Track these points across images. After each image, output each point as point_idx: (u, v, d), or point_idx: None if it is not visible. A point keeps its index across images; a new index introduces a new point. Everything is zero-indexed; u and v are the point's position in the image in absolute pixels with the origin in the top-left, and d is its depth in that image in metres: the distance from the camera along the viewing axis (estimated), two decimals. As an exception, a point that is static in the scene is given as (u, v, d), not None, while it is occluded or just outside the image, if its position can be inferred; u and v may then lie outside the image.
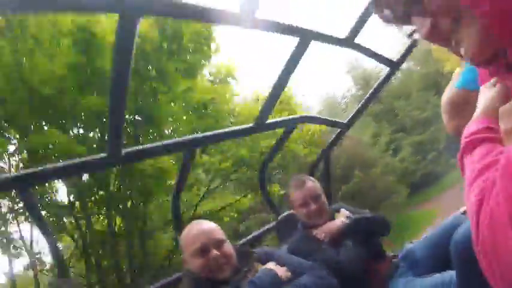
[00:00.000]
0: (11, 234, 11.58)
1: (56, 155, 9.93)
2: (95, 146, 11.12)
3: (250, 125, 2.38)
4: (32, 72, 9.04)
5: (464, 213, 2.46)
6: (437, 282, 1.91)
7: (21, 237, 11.96)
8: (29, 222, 11.34)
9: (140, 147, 2.01)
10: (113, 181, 11.99)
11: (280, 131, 2.90)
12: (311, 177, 2.50)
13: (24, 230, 12.17)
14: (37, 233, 10.15)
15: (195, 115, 12.55)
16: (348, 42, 2.14)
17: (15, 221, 11.83)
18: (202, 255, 1.73)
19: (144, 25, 9.54)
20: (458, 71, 1.47)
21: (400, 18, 0.78)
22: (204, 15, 1.49)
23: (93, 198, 12.19)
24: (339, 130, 3.15)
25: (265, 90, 12.12)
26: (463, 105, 0.92)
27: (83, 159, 1.74)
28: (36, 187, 8.82)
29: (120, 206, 12.58)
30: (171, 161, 11.06)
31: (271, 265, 1.78)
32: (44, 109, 9.96)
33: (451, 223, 2.12)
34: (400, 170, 21.60)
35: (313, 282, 1.72)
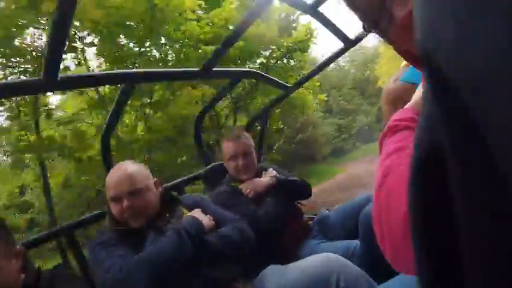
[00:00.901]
0: None
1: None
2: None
3: (197, 69, 2.33)
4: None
5: None
6: (343, 247, 2.04)
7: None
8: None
9: (77, 74, 1.89)
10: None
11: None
12: (246, 133, 2.54)
13: None
14: None
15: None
16: (311, 9, 2.12)
17: None
18: (116, 203, 1.72)
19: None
20: (402, 65, 1.50)
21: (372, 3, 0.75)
22: None
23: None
24: (282, 92, 3.17)
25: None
26: (405, 98, 0.94)
27: (17, 80, 1.62)
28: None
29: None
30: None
31: (196, 213, 1.79)
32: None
33: (365, 198, 2.24)
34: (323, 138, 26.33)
35: (233, 233, 1.76)
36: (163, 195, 1.89)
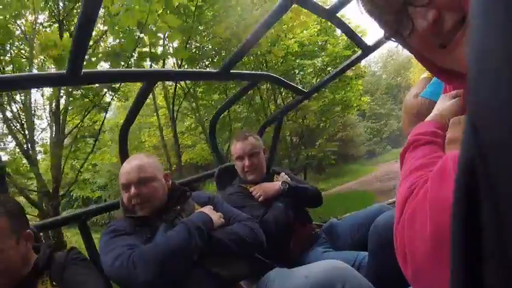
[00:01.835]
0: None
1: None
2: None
3: (215, 70, 2.37)
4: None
5: (390, 204, 2.62)
6: (350, 257, 2.01)
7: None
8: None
9: (100, 70, 1.96)
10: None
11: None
12: (255, 135, 2.55)
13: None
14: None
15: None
16: (329, 14, 2.13)
17: None
18: (126, 191, 1.81)
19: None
20: (423, 77, 1.52)
21: (394, 7, 0.72)
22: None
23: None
24: (298, 97, 3.19)
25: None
26: (425, 114, 0.95)
27: (42, 73, 1.71)
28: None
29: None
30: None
31: (206, 209, 1.82)
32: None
33: (375, 210, 2.23)
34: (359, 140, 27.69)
35: (242, 231, 1.79)
36: (174, 188, 1.94)
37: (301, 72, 12.99)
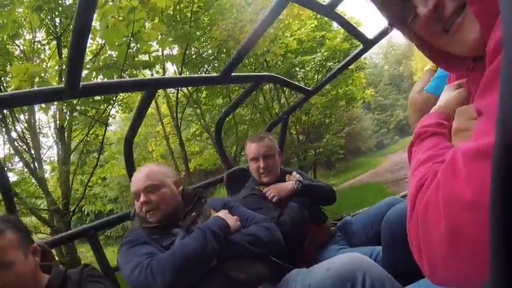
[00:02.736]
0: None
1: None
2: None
3: (215, 74, 2.35)
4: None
5: (402, 196, 2.59)
6: (366, 252, 1.97)
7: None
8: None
9: (99, 81, 1.95)
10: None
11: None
12: (271, 137, 2.53)
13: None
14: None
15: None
16: (328, 10, 2.10)
17: None
18: (137, 200, 1.84)
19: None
20: (426, 69, 1.49)
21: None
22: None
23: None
24: (302, 96, 3.16)
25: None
26: (430, 109, 0.95)
27: (40, 88, 1.69)
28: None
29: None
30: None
31: (222, 213, 1.82)
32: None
33: (387, 203, 2.21)
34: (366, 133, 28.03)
35: (260, 232, 1.79)
36: (186, 194, 1.95)
37: (302, 69, 12.98)
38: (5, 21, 7.03)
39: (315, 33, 12.28)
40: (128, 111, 10.48)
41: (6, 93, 1.61)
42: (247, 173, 2.56)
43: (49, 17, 8.28)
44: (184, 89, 10.67)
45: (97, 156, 9.60)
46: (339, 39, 12.22)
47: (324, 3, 2.06)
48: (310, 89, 3.09)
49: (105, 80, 4.95)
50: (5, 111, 8.12)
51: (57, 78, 7.67)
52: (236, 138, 11.47)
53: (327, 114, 14.86)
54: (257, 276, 1.70)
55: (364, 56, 3.09)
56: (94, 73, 6.05)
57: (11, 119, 8.78)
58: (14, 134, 9.09)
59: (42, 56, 9.41)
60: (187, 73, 9.99)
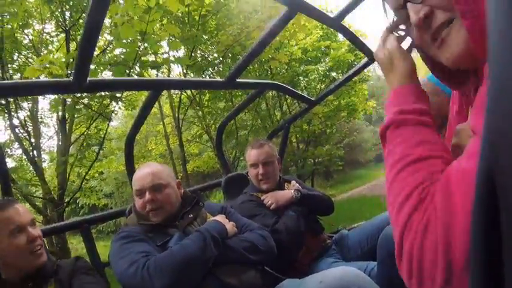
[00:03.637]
0: None
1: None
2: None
3: (221, 79, 2.38)
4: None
5: None
6: (360, 267, 1.98)
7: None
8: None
9: (106, 78, 1.98)
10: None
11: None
12: (271, 144, 2.55)
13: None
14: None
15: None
16: (335, 22, 2.14)
17: None
18: (140, 197, 1.83)
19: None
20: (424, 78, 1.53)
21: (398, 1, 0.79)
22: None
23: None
24: (304, 106, 3.18)
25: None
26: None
27: (48, 80, 1.73)
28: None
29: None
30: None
31: (220, 218, 1.84)
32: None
33: (385, 218, 2.23)
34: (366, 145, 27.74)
35: (255, 239, 1.81)
36: (186, 196, 1.97)
37: (306, 78, 13.00)
38: (16, 10, 7.08)
39: (320, 43, 12.28)
40: (131, 108, 10.49)
41: (14, 81, 1.65)
42: (246, 179, 2.58)
43: (59, 10, 8.30)
44: (188, 91, 10.69)
45: (97, 150, 9.63)
46: (344, 50, 12.25)
47: (331, 16, 2.10)
48: (313, 99, 3.12)
49: (112, 77, 4.99)
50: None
51: (60, 72, 7.70)
52: (236, 143, 11.45)
53: (328, 124, 14.84)
54: (249, 283, 1.71)
55: (367, 68, 3.11)
56: (101, 68, 6.10)
57: (14, 105, 8.79)
58: (15, 121, 9.09)
59: (50, 48, 9.43)
60: (192, 75, 10.02)
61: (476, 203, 0.37)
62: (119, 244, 1.66)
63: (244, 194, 2.50)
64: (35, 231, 1.58)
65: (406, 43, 0.89)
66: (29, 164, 9.63)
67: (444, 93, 1.62)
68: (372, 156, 27.42)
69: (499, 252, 0.33)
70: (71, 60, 6.34)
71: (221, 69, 10.29)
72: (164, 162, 14.74)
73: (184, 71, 10.15)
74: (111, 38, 8.00)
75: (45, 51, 9.02)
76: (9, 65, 8.38)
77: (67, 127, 9.35)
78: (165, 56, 9.31)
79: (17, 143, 9.40)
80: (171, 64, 9.59)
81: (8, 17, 7.20)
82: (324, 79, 12.77)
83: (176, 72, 11.82)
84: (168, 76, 10.42)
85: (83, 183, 9.96)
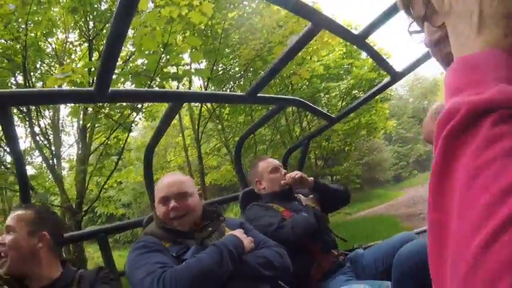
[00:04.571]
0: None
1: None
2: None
3: (242, 93, 2.38)
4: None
5: (417, 233, 2.55)
6: (372, 286, 1.97)
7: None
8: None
9: (127, 89, 1.99)
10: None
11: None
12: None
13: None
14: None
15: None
16: (358, 40, 2.12)
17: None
18: (164, 204, 1.84)
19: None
20: (437, 104, 1.48)
21: (417, 22, 0.72)
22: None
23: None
24: (325, 123, 3.15)
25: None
26: None
27: (70, 89, 1.74)
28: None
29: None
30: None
31: (237, 233, 1.83)
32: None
33: (401, 239, 2.19)
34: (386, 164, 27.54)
35: (271, 255, 1.79)
36: (207, 209, 1.98)
37: (327, 95, 13.00)
38: (40, 18, 7.24)
39: (342, 61, 12.31)
40: (151, 119, 10.59)
41: (38, 89, 1.67)
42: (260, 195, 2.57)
43: (83, 20, 8.49)
44: (208, 104, 10.79)
45: (116, 159, 9.74)
46: (366, 68, 12.23)
47: (356, 33, 2.08)
48: (334, 116, 3.09)
49: (134, 88, 5.05)
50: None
51: (82, 80, 7.83)
52: (254, 157, 11.51)
53: (347, 142, 14.81)
54: None
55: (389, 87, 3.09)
56: (122, 78, 6.18)
57: (35, 113, 8.95)
58: (36, 129, 9.25)
59: (72, 57, 9.62)
60: (213, 88, 10.13)
61: None
62: (136, 254, 1.67)
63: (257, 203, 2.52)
64: (25, 240, 1.58)
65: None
66: (48, 172, 9.76)
67: None
68: (391, 176, 27.22)
69: None
70: (93, 69, 6.45)
71: (242, 83, 10.36)
72: (182, 173, 14.83)
73: (205, 83, 10.23)
74: (133, 49, 8.12)
75: (68, 60, 9.20)
76: (31, 73, 8.54)
77: (87, 136, 9.48)
78: (187, 67, 9.40)
79: (37, 151, 9.55)
80: (192, 76, 9.70)
81: (32, 25, 7.36)
82: (345, 97, 12.74)
83: (197, 84, 11.94)
84: (189, 88, 10.51)
85: (101, 192, 10.06)
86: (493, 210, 0.33)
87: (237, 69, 10.65)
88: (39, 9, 7.13)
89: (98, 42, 8.79)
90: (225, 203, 3.09)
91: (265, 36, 9.27)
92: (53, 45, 9.29)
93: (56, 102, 2.75)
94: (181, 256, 1.69)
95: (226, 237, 1.78)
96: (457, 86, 0.45)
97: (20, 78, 8.41)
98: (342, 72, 12.75)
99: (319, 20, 1.80)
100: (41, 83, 8.72)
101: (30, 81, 8.34)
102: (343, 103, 12.56)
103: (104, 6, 8.41)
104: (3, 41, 7.53)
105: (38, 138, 9.29)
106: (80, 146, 9.70)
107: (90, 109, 7.90)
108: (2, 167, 8.60)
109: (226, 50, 9.87)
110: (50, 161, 9.46)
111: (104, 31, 8.46)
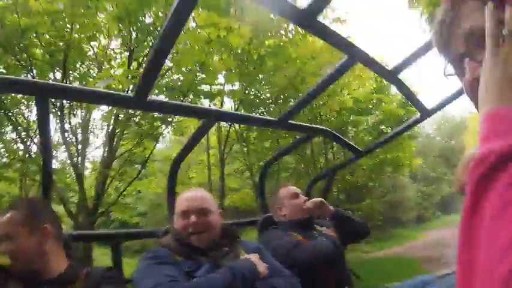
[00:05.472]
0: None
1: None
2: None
3: (274, 118, 2.41)
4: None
5: (439, 277, 2.51)
6: None
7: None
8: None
9: (165, 100, 2.04)
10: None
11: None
12: None
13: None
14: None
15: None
16: (391, 75, 2.14)
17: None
18: (184, 218, 1.83)
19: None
20: (468, 155, 1.47)
21: (453, 60, 0.71)
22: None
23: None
24: (352, 155, 3.16)
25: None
26: None
27: (110, 91, 1.80)
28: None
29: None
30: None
31: (254, 257, 1.79)
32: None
33: (421, 282, 2.16)
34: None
35: (284, 285, 1.75)
36: (226, 229, 1.95)
37: (354, 128, 12.95)
38: (86, 21, 7.48)
39: (372, 95, 12.29)
40: (179, 134, 10.70)
41: (77, 86, 1.73)
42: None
43: (127, 29, 8.72)
44: (236, 126, 10.86)
45: (140, 168, 9.83)
46: (395, 104, 12.17)
47: (389, 68, 2.11)
48: (362, 150, 3.09)
49: (169, 100, 5.16)
50: (65, 102, 8.53)
51: (120, 86, 7.96)
52: (276, 184, 11.47)
53: (371, 177, 14.62)
54: None
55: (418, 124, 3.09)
56: (157, 90, 6.30)
57: (68, 110, 9.15)
58: (67, 126, 9.43)
59: (112, 63, 9.85)
60: (243, 111, 10.21)
61: None
62: (147, 263, 1.65)
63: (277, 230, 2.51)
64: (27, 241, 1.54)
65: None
66: (71, 168, 9.93)
67: None
68: (413, 216, 26.24)
69: None
70: (129, 77, 6.58)
71: (271, 109, 10.41)
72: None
73: (236, 106, 10.34)
74: (171, 64, 8.30)
75: (107, 66, 9.41)
76: (70, 72, 8.80)
77: (115, 141, 9.62)
78: (219, 87, 9.55)
79: (64, 147, 9.75)
80: (226, 97, 9.82)
81: (77, 26, 7.60)
82: (372, 131, 12.66)
83: (227, 105, 12.06)
84: (220, 108, 10.66)
85: (120, 197, 10.14)
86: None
87: (268, 95, 10.73)
88: (87, 12, 7.40)
89: (138, 53, 9.01)
90: (241, 226, 3.09)
91: (299, 66, 9.36)
92: (95, 49, 9.50)
93: (94, 102, 2.81)
94: (192, 272, 1.65)
95: (241, 261, 1.75)
96: (488, 134, 0.49)
97: (58, 75, 8.62)
98: (371, 106, 12.71)
99: (354, 53, 1.83)
100: (78, 82, 8.93)
101: (68, 79, 8.55)
102: (370, 137, 12.49)
103: (148, 20, 8.63)
104: (47, 36, 7.78)
105: (66, 134, 9.47)
106: (106, 149, 9.83)
107: (121, 115, 8.05)
108: (27, 155, 8.79)
109: (260, 75, 9.99)
110: (75, 159, 9.62)
111: (145, 43, 8.68)
